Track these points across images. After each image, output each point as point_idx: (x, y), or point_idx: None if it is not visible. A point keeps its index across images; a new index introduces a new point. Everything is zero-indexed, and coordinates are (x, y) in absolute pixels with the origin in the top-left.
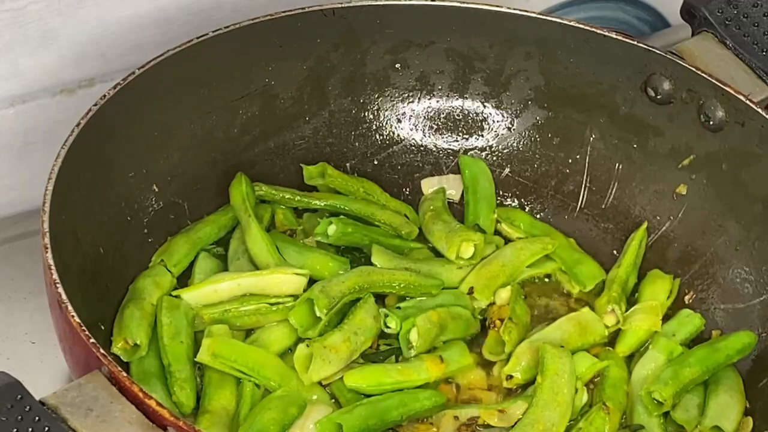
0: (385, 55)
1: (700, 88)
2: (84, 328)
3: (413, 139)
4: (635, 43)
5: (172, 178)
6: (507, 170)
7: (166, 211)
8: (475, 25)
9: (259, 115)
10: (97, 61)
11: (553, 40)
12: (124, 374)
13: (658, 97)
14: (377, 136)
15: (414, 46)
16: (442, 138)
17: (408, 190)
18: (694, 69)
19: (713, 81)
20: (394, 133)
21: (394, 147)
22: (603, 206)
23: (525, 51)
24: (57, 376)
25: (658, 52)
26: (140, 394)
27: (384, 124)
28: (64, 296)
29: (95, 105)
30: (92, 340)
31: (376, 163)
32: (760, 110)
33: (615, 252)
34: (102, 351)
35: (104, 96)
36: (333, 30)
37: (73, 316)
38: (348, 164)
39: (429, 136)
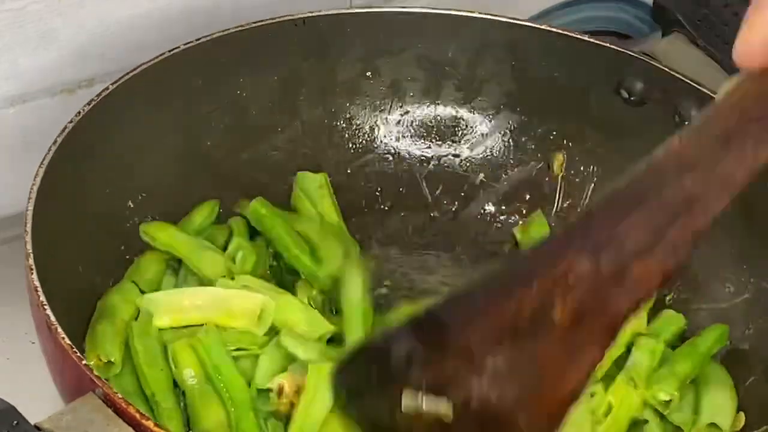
0: (356, 64)
1: (674, 88)
2: (75, 350)
3: (387, 147)
4: (607, 45)
5: (146, 194)
6: (481, 176)
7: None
8: (446, 31)
9: (232, 127)
10: (97, 61)
11: (523, 45)
12: (120, 396)
13: (632, 98)
14: (350, 145)
15: (385, 54)
16: (415, 145)
17: (381, 200)
18: (666, 69)
19: (686, 81)
20: (367, 141)
21: (368, 156)
22: (579, 209)
23: (496, 56)
24: None
25: (630, 53)
26: (137, 416)
27: (357, 132)
28: (52, 318)
29: (70, 122)
30: (84, 362)
31: (350, 171)
32: None
33: None
34: (95, 373)
35: (78, 113)
36: (304, 39)
37: (63, 338)
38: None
39: (402, 144)
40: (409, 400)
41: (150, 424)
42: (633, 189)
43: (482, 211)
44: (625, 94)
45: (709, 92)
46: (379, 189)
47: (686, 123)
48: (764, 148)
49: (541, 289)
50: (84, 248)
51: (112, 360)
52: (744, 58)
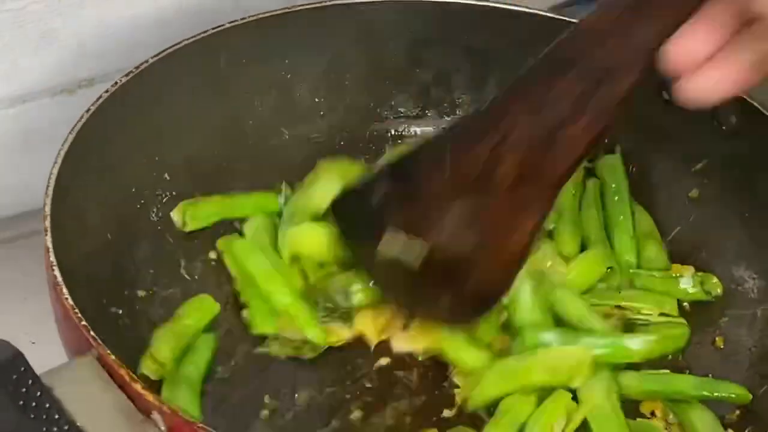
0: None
1: None
2: (77, 310)
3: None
4: None
5: (184, 168)
6: None
7: (177, 200)
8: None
9: (275, 108)
10: (97, 61)
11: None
12: (113, 357)
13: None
14: (392, 132)
15: (432, 44)
16: None
17: None
18: None
19: None
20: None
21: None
22: None
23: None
24: None
25: None
26: (126, 377)
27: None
28: (59, 278)
29: (114, 85)
30: (83, 323)
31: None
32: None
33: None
34: (92, 334)
35: (116, 83)
36: (350, 25)
37: (66, 299)
38: (363, 159)
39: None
40: (392, 236)
41: (138, 386)
42: (556, 59)
43: None
44: (666, 96)
45: (747, 99)
46: None
47: (724, 128)
48: (671, 15)
49: (488, 145)
50: (115, 216)
51: (163, 361)
52: None
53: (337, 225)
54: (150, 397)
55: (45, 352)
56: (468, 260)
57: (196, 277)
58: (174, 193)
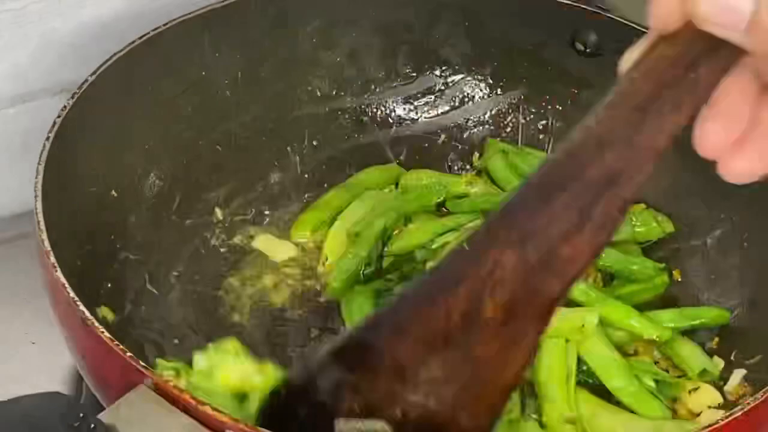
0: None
1: (628, 37)
2: (117, 342)
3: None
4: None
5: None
6: (443, 137)
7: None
8: None
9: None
10: (96, 61)
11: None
12: (172, 384)
13: (587, 50)
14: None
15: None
16: (379, 111)
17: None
18: (619, 19)
19: (640, 29)
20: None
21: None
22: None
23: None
24: (57, 376)
25: (582, 6)
26: (193, 402)
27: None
28: (87, 313)
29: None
30: (129, 354)
31: (315, 144)
32: None
33: None
34: (143, 364)
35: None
36: (264, 16)
37: (102, 332)
38: (288, 148)
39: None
40: (343, 428)
41: (207, 408)
42: (554, 174)
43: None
44: (580, 47)
45: None
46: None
47: None
48: (681, 111)
49: (468, 291)
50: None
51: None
52: (661, 20)
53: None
54: (224, 417)
55: (45, 352)
56: (449, 416)
57: None
58: None
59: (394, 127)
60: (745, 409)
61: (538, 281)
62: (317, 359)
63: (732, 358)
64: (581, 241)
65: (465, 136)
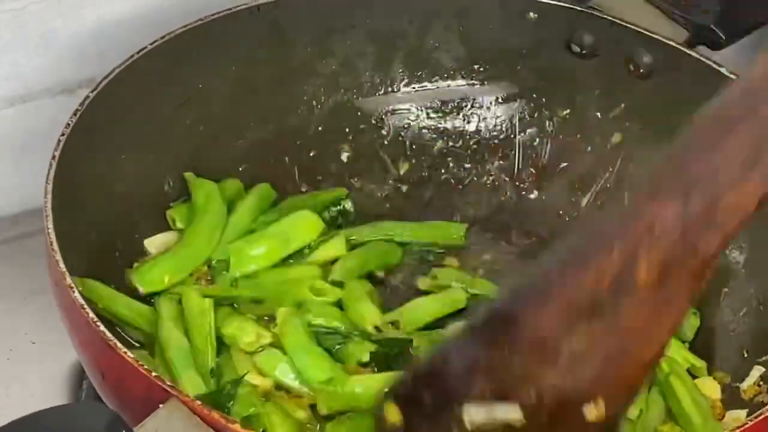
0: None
1: (624, 38)
2: (141, 362)
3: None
4: (554, 2)
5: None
6: (440, 143)
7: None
8: (394, 3)
9: (199, 120)
10: (97, 61)
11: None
12: (199, 403)
13: (583, 52)
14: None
15: (336, 33)
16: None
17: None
18: (614, 20)
19: (635, 29)
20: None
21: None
22: (538, 166)
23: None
24: (57, 376)
25: (577, 8)
26: (222, 420)
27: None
28: (108, 334)
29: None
30: (155, 374)
31: (312, 154)
32: (692, 53)
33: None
34: (168, 383)
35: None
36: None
37: (125, 353)
38: (286, 158)
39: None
40: (472, 415)
41: (236, 426)
42: (723, 116)
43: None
44: (576, 49)
45: (660, 38)
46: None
47: (641, 70)
48: None
49: (622, 251)
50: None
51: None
52: None
53: (403, 416)
54: None
55: (45, 352)
56: (585, 399)
57: None
58: None
59: (391, 133)
60: None
61: (697, 236)
62: (450, 339)
63: (745, 354)
64: (748, 187)
65: (462, 141)
